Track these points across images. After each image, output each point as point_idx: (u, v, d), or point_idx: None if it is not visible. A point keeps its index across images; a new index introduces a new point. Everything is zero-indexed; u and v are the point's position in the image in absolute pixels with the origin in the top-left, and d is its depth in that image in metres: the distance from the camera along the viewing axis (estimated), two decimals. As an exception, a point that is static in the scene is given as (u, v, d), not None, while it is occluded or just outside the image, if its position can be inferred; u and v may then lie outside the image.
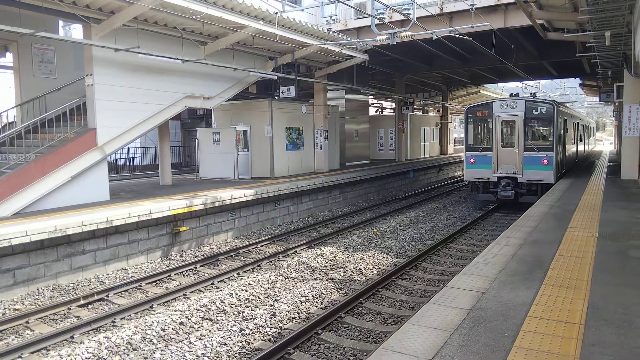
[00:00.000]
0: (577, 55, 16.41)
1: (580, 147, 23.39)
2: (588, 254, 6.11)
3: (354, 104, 22.66)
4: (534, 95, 17.47)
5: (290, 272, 9.02)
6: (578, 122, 21.79)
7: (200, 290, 8.21)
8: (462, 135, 56.42)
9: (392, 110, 31.77)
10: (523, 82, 32.74)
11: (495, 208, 15.21)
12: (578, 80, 32.44)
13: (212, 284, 8.50)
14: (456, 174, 28.62)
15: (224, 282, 8.58)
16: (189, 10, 10.36)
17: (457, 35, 14.58)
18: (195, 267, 9.51)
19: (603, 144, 52.38)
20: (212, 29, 12.24)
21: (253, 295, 7.86)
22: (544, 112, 14.32)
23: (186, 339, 6.30)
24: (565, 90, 42.01)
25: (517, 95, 15.73)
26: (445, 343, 3.57)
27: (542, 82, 35.67)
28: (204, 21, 11.17)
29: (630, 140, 14.19)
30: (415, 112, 31.01)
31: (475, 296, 4.59)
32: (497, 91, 39.33)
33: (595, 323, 3.88)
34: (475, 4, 14.37)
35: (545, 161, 14.00)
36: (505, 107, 14.73)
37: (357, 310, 7.19)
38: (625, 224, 7.94)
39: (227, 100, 15.48)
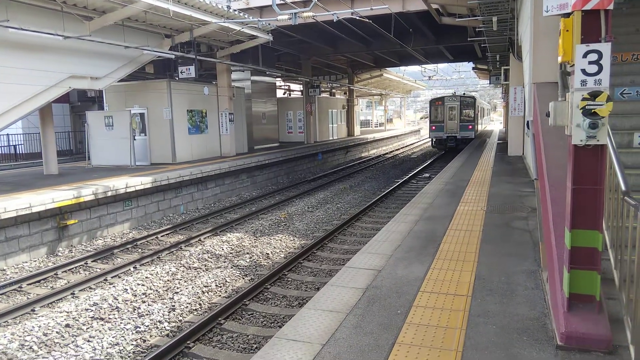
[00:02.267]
0: (469, 39, 17.44)
1: (483, 124, 34.27)
2: (477, 227, 6.48)
3: (260, 85, 22.21)
4: (463, 94, 28.83)
5: (193, 261, 8.61)
6: (482, 106, 33.55)
7: (91, 288, 7.54)
8: (368, 118, 58.37)
9: (300, 93, 31.71)
10: (423, 65, 34.34)
11: (404, 182, 15.88)
12: (471, 64, 34.71)
13: (105, 280, 7.85)
14: (363, 155, 29.41)
15: (119, 278, 7.97)
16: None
17: (359, 18, 14.76)
18: (86, 263, 8.73)
19: (494, 123, 56.89)
20: (97, 2, 11.17)
21: (151, 289, 7.38)
22: (469, 102, 25.67)
23: (72, 342, 5.74)
24: (460, 73, 44.80)
25: (455, 93, 28.28)
26: (340, 325, 3.52)
27: (440, 65, 37.73)
28: (87, -8, 10.13)
29: (515, 120, 15.41)
30: (323, 95, 31.27)
31: (371, 274, 4.62)
32: (398, 74, 40.88)
33: (481, 294, 4.07)
34: (375, -13, 14.62)
35: (470, 127, 25.38)
36: (450, 100, 25.70)
37: (263, 295, 7.04)
38: (510, 197, 8.57)
39: (121, 81, 14.35)
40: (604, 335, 2.94)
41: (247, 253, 9.07)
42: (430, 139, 27.67)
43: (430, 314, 3.70)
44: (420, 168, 20.57)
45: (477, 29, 14.44)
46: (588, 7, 2.74)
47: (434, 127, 25.92)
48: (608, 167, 3.43)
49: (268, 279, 7.41)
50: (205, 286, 7.42)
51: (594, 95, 2.76)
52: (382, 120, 54.82)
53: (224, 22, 14.12)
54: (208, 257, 8.87)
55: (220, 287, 7.45)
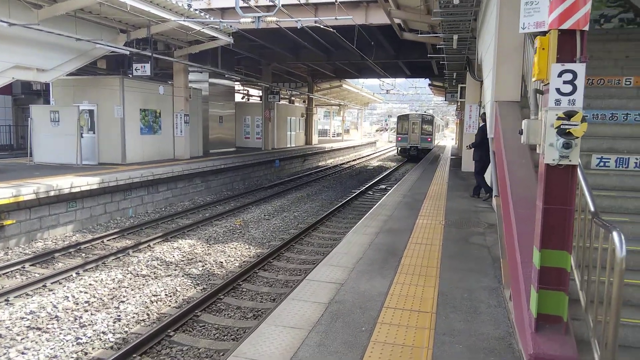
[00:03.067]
0: (428, 56, 17.83)
1: (437, 139, 37.07)
2: (437, 241, 6.49)
3: (219, 88, 21.73)
4: (425, 112, 37.43)
5: (141, 268, 8.15)
6: (438, 123, 38.27)
7: (27, 294, 6.95)
8: (326, 127, 58.74)
9: (259, 98, 31.37)
10: (381, 79, 34.92)
11: (360, 193, 15.89)
12: (427, 81, 35.63)
13: (44, 286, 7.27)
14: (320, 164, 29.40)
15: (59, 284, 7.41)
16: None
17: (322, 27, 14.75)
18: (23, 267, 8.08)
19: (446, 139, 58.63)
20: (48, -11, 10.52)
21: (94, 297, 6.89)
22: (429, 119, 31.19)
23: (4, 354, 5.22)
24: (416, 89, 45.96)
25: (417, 111, 37.01)
26: (302, 343, 3.34)
27: (398, 80, 38.56)
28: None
29: (470, 137, 15.83)
30: (282, 102, 31.09)
31: (334, 288, 4.48)
32: (357, 86, 41.37)
33: (445, 311, 4.01)
34: (340, -3, 14.68)
35: (429, 139, 30.47)
36: (414, 116, 31.30)
37: (216, 306, 6.73)
38: (466, 211, 8.71)
39: (70, 75, 13.59)
40: (572, 357, 2.91)
41: (200, 261, 8.70)
42: (396, 148, 34.15)
43: (396, 331, 3.59)
44: (376, 179, 20.75)
45: (436, 46, 14.76)
46: (565, 26, 2.73)
47: (399, 138, 31.45)
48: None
49: (221, 288, 7.11)
50: (154, 295, 7.01)
51: (569, 115, 2.76)
52: (339, 131, 55.25)
53: (184, 20, 13.70)
54: (158, 265, 8.43)
55: (170, 296, 7.07)
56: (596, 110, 5.81)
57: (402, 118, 31.80)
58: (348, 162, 31.97)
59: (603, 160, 5.18)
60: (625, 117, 5.75)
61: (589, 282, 3.22)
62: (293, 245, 9.83)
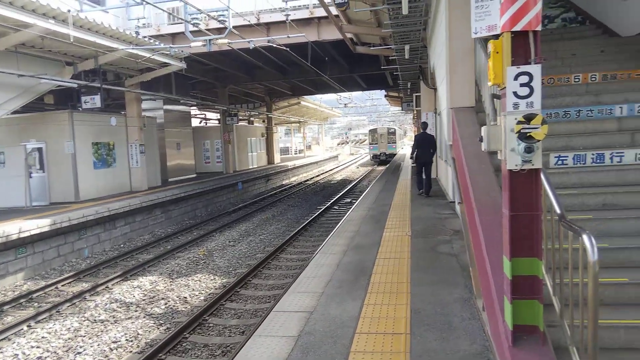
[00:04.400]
0: (381, 68, 18.02)
1: (399, 146, 43.95)
2: (405, 254, 6.35)
3: (174, 114, 21.25)
4: (389, 126, 41.90)
5: (99, 313, 7.62)
6: (398, 133, 44.58)
7: (-29, 356, 6.34)
8: (288, 145, 58.71)
9: (217, 122, 30.93)
10: (338, 93, 35.16)
11: (326, 208, 15.70)
12: (383, 92, 36.17)
13: (-10, 344, 6.67)
14: (284, 183, 29.12)
15: (8, 340, 6.81)
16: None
17: (275, 46, 14.67)
18: (-34, 325, 7.41)
19: (405, 147, 59.57)
20: (-18, 26, 9.95)
21: (48, 351, 6.36)
22: (393, 131, 38.26)
23: None
24: (373, 101, 46.61)
25: (384, 126, 41.96)
26: (271, 386, 3.07)
27: (354, 93, 39.11)
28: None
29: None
30: (241, 123, 30.75)
31: (303, 318, 4.22)
32: (315, 102, 41.58)
33: (419, 330, 3.82)
34: (290, 15, 14.66)
35: (393, 146, 37.84)
36: (381, 129, 38.62)
37: (181, 346, 6.33)
38: (431, 220, 8.64)
39: (14, 113, 12.90)
40: (552, 368, 2.78)
41: (163, 298, 8.23)
42: (369, 154, 41.81)
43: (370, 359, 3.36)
44: (341, 193, 20.65)
45: (389, 58, 14.92)
46: (517, 28, 2.65)
47: (372, 147, 39.29)
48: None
49: (187, 326, 6.71)
50: (113, 342, 6.53)
51: (528, 118, 2.65)
52: (301, 147, 55.21)
53: (132, 48, 13.32)
54: (117, 307, 7.91)
55: (132, 341, 6.60)
56: (549, 109, 5.85)
57: (372, 131, 39.36)
58: (312, 177, 31.84)
59: (561, 158, 5.18)
60: (577, 114, 5.81)
61: (561, 286, 3.11)
62: (260, 271, 9.49)
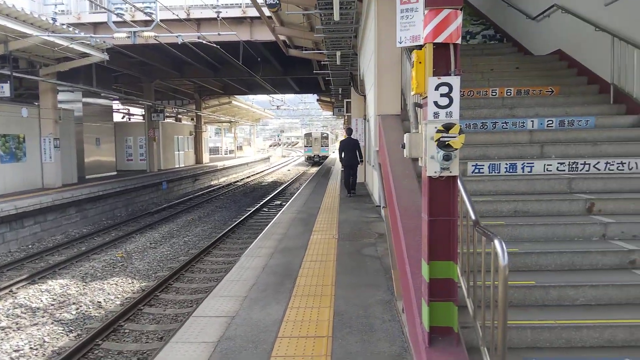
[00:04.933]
0: (314, 72, 18.17)
1: (331, 149, 45.45)
2: (331, 257, 6.40)
3: (94, 108, 19.98)
4: (316, 129, 54.09)
5: (0, 320, 6.94)
6: (331, 137, 46.93)
7: None
8: (218, 144, 57.55)
9: (141, 117, 29.56)
10: (271, 95, 35.02)
11: (255, 210, 15.49)
12: (316, 96, 36.50)
13: None
14: (212, 183, 28.43)
15: None
16: None
17: (206, 42, 14.29)
18: None
19: (335, 151, 60.62)
20: None
21: None
22: (326, 136, 42.62)
23: None
24: (305, 104, 46.94)
25: (318, 131, 48.47)
26: (186, 395, 2.93)
27: (287, 96, 39.18)
28: None
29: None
30: (168, 120, 29.63)
31: (224, 323, 4.10)
32: (248, 103, 41.10)
33: (341, 333, 3.85)
34: (221, 13, 14.36)
35: (326, 148, 41.59)
36: (315, 133, 43.13)
37: (93, 354, 5.92)
38: (358, 223, 8.80)
39: None
40: (464, 368, 2.90)
41: (74, 303, 7.66)
42: (304, 156, 45.53)
43: (291, 364, 3.33)
44: (271, 195, 20.51)
45: (322, 63, 15.07)
46: (439, 39, 2.75)
47: (306, 149, 42.73)
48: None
49: (100, 332, 6.29)
50: (15, 351, 5.98)
51: (447, 127, 2.76)
52: (232, 148, 54.27)
53: (48, 35, 12.37)
54: (21, 313, 7.26)
55: (37, 349, 6.07)
56: (468, 120, 6.18)
57: (307, 135, 43.49)
58: (242, 179, 31.37)
59: (477, 167, 5.47)
60: (494, 126, 6.18)
61: (475, 288, 3.26)
62: (183, 274, 9.15)
